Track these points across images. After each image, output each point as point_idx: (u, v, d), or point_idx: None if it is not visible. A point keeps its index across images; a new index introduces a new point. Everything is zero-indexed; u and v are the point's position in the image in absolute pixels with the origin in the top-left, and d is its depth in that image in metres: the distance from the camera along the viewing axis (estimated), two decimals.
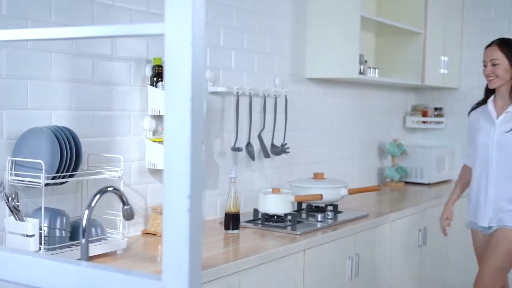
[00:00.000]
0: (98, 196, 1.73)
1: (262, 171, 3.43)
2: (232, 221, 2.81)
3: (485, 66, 3.09)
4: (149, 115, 2.68)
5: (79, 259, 2.13)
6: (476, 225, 3.14)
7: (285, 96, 3.45)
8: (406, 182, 4.74)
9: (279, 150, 3.42)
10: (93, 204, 1.73)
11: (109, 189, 1.78)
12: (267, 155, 3.33)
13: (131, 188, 2.65)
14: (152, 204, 2.74)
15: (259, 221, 2.99)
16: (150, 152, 2.65)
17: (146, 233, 2.69)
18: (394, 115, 4.93)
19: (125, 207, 1.85)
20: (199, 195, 1.04)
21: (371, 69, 4.12)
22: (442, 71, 4.75)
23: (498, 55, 3.04)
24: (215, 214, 3.13)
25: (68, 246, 2.15)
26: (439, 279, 4.16)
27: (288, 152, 3.46)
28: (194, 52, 1.00)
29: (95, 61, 2.48)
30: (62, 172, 2.10)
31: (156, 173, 2.75)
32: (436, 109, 5.09)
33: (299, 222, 3.01)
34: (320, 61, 3.72)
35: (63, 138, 2.09)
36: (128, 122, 2.63)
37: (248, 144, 3.24)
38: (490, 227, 3.05)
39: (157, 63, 2.65)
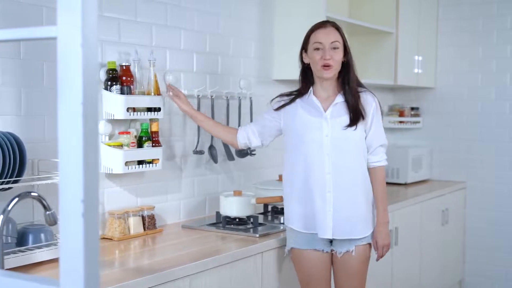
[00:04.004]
0: (15, 200, 1.71)
1: (228, 174, 3.42)
2: None
3: (318, 49, 2.55)
4: (104, 119, 2.66)
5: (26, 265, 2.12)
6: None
7: (250, 98, 3.43)
8: None
9: (245, 152, 3.40)
10: (9, 208, 1.71)
11: (32, 194, 1.76)
12: (231, 158, 3.31)
13: None
14: (109, 209, 2.73)
15: (221, 224, 2.98)
16: (106, 156, 2.63)
17: (103, 238, 2.67)
18: None
19: (47, 212, 1.83)
20: (94, 199, 1.04)
21: None
22: (416, 70, 4.74)
23: (339, 38, 2.56)
24: (179, 217, 3.11)
25: (14, 252, 2.12)
26: (412, 279, 4.14)
27: (254, 154, 3.44)
28: (84, 54, 0.99)
29: (46, 65, 2.46)
30: (5, 178, 2.08)
31: (113, 177, 2.73)
32: (412, 108, 5.08)
33: (261, 224, 3.00)
34: (289, 62, 3.70)
35: (5, 143, 2.07)
36: None
37: (211, 147, 3.22)
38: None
39: (111, 67, 2.64)
